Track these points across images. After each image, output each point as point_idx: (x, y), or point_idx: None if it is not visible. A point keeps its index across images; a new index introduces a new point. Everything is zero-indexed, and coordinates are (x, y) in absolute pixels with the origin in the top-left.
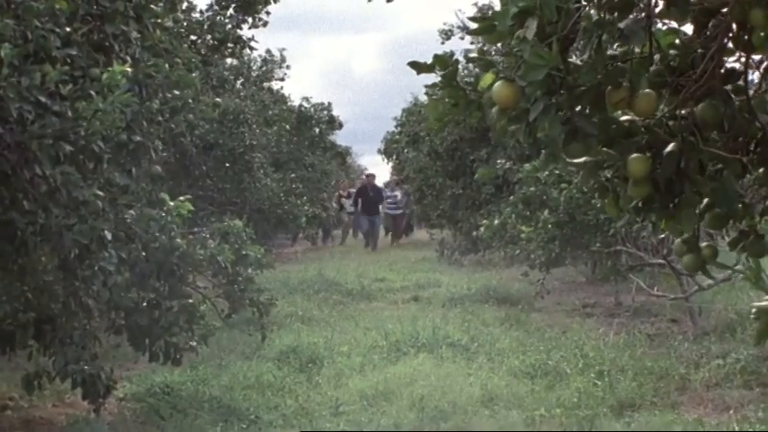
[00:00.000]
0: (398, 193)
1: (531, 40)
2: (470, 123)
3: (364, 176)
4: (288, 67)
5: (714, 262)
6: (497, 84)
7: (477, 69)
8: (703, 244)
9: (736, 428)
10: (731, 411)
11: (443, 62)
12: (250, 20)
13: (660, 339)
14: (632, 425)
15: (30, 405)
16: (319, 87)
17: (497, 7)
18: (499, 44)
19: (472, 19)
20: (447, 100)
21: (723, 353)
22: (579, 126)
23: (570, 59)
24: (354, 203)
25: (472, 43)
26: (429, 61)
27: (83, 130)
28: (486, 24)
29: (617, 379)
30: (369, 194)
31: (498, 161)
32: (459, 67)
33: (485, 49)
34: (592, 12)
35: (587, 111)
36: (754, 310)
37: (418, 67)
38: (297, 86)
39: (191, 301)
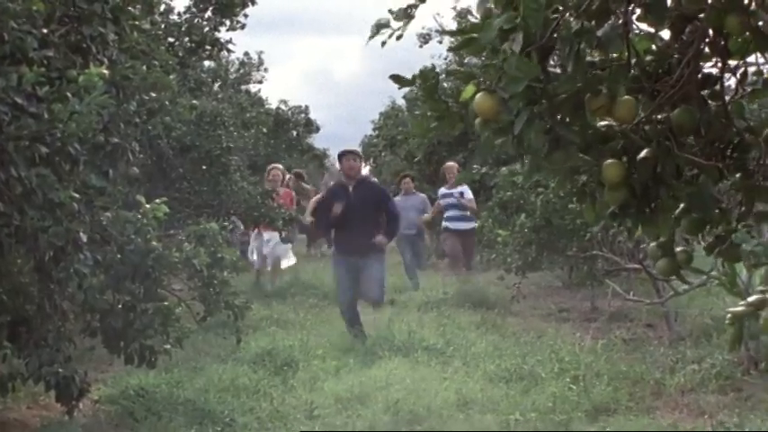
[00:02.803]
0: (466, 190)
1: (517, 54)
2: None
3: (337, 165)
4: (266, 69)
5: (689, 267)
6: (479, 95)
7: (457, 82)
8: (678, 249)
9: None
10: (706, 416)
11: (424, 76)
12: (228, 22)
13: (636, 344)
14: (607, 429)
15: (3, 407)
16: (299, 90)
17: (475, 10)
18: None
19: (452, 32)
20: (429, 113)
21: (698, 358)
22: (561, 135)
23: (549, 67)
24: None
25: (450, 49)
26: (408, 66)
27: (59, 132)
28: (466, 38)
29: (592, 383)
30: (345, 204)
31: (475, 166)
32: (440, 77)
33: (465, 58)
34: (571, 19)
35: (567, 119)
36: (728, 316)
37: (400, 81)
38: (277, 89)
39: (166, 303)
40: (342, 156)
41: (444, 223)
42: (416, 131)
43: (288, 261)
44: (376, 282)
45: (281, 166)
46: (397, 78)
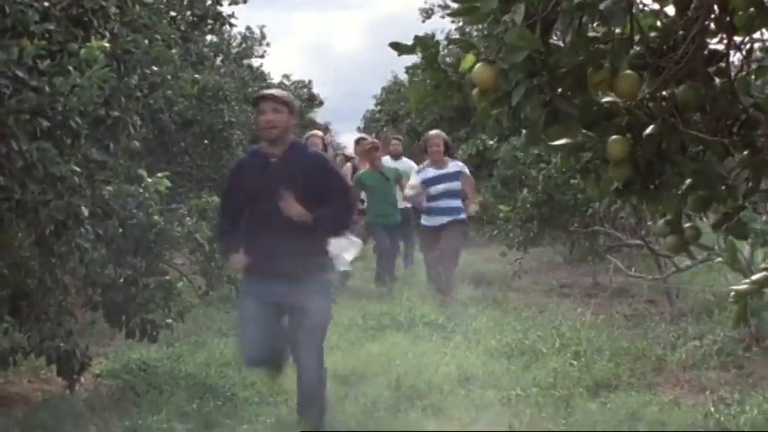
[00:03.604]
0: (463, 167)
1: (519, 24)
2: (450, 102)
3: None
4: (268, 44)
5: (697, 243)
6: (478, 65)
7: (458, 50)
8: (686, 225)
9: (712, 409)
10: (707, 392)
11: (424, 44)
12: None
13: (637, 320)
14: (608, 405)
15: (5, 381)
16: (301, 65)
17: None
18: (480, 25)
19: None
20: (428, 82)
21: (700, 334)
22: (560, 108)
23: (551, 40)
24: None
25: (453, 22)
26: (410, 40)
27: (60, 106)
28: (467, 6)
29: (593, 359)
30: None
31: (480, 139)
32: (441, 48)
33: (466, 29)
34: None
35: (568, 92)
36: (732, 294)
37: (399, 48)
38: (278, 64)
39: (167, 278)
40: (256, 102)
41: (424, 220)
42: (413, 98)
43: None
44: (310, 331)
45: (320, 133)
46: (396, 45)
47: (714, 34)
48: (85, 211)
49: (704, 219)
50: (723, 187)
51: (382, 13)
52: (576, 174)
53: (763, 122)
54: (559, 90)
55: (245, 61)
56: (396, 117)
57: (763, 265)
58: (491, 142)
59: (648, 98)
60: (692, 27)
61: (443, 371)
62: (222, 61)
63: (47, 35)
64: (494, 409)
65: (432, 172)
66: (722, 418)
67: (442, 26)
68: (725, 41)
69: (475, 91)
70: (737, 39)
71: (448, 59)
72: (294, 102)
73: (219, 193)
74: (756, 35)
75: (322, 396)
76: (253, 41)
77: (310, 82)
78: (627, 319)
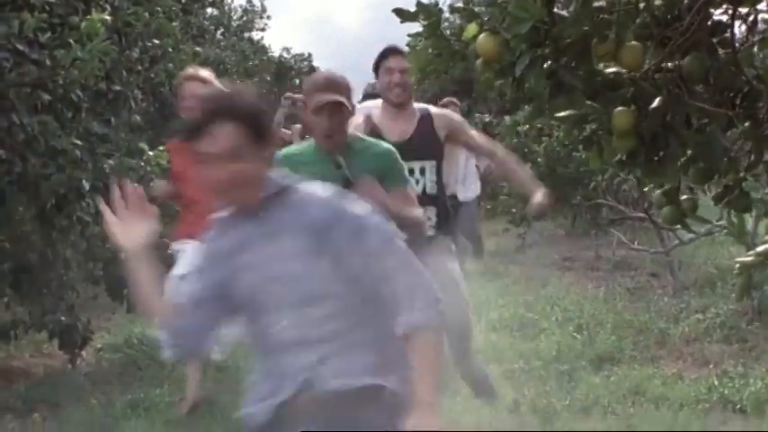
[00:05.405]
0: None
1: None
2: (452, 75)
3: None
4: (268, 17)
5: (694, 215)
6: (482, 36)
7: (461, 20)
8: (683, 197)
9: (716, 383)
10: (711, 366)
11: (428, 11)
12: None
13: (640, 293)
14: (611, 378)
15: (7, 355)
16: (301, 38)
17: None
18: None
19: None
20: (430, 50)
21: (703, 307)
22: (564, 79)
23: (555, 10)
24: None
25: None
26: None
27: (61, 79)
28: None
29: (596, 332)
30: None
31: (477, 114)
32: (444, 16)
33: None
34: None
35: (573, 63)
36: (737, 266)
37: (402, 15)
38: (279, 37)
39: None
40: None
41: None
42: (414, 65)
43: None
44: None
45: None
46: (399, 12)
47: (719, 5)
48: (86, 185)
49: (706, 192)
50: (725, 159)
51: None
52: (579, 145)
53: (765, 95)
54: (564, 61)
55: (246, 34)
56: None
57: (767, 237)
58: (487, 118)
59: (653, 69)
60: None
61: (446, 345)
62: (223, 34)
63: (47, 8)
64: (497, 383)
65: None
66: (725, 392)
67: None
68: (730, 12)
69: (478, 61)
70: (743, 10)
71: (448, 32)
72: None
73: None
74: (761, 6)
75: None
76: (253, 14)
77: (310, 55)
78: (629, 293)
